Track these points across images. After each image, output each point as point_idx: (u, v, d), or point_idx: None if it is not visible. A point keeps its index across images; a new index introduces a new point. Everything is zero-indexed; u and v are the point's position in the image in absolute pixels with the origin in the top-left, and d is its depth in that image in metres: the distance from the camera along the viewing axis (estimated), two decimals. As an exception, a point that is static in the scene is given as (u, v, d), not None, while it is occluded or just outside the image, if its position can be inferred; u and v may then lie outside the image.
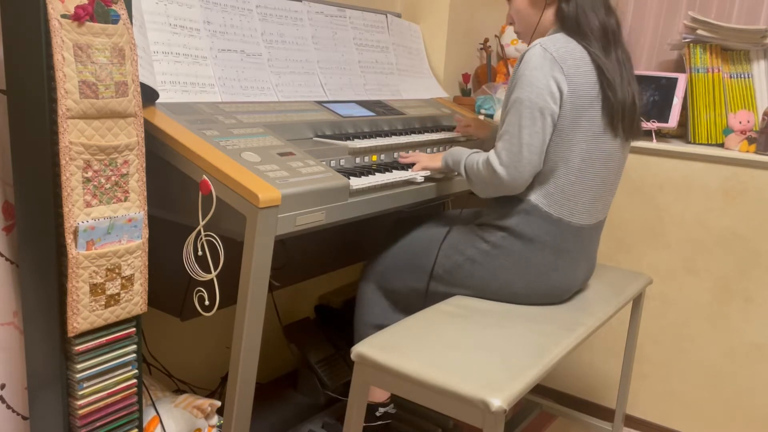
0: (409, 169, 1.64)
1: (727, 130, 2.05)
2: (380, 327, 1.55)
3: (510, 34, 2.49)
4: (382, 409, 1.81)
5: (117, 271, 1.21)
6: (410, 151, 1.77)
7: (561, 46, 1.44)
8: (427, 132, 1.96)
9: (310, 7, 1.92)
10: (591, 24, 1.48)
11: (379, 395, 1.82)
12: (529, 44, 1.60)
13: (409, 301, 1.69)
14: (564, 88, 1.42)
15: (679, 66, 2.25)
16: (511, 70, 2.50)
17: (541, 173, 1.47)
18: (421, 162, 1.65)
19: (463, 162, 1.55)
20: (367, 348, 1.29)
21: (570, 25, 1.49)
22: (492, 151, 1.47)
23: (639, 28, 2.33)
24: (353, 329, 1.78)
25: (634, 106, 1.52)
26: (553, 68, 1.41)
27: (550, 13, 1.55)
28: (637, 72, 2.20)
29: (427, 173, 1.64)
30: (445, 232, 1.63)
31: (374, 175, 1.54)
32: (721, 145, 2.07)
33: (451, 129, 2.06)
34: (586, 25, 1.48)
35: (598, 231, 1.62)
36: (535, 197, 1.49)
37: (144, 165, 1.23)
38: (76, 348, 1.21)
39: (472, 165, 1.52)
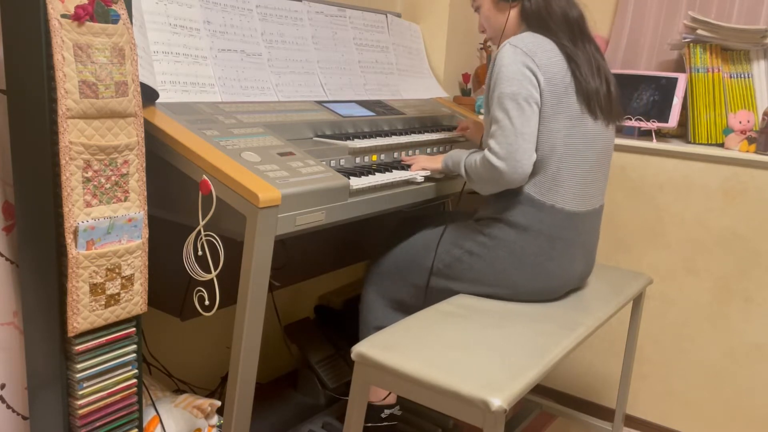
0: (409, 169, 1.65)
1: (727, 130, 2.05)
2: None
3: (510, 34, 2.49)
4: (388, 411, 1.81)
5: (117, 271, 1.21)
6: (411, 153, 1.78)
7: (529, 41, 1.50)
8: (427, 132, 1.96)
9: (310, 7, 1.92)
10: (554, 16, 1.54)
11: (389, 397, 1.82)
12: (497, 45, 1.66)
13: (412, 302, 1.69)
14: (540, 78, 1.46)
15: (679, 66, 2.25)
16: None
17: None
18: (420, 162, 1.67)
19: (462, 162, 1.57)
20: (367, 348, 1.29)
21: (535, 20, 1.56)
22: (486, 150, 1.49)
23: (639, 28, 2.33)
24: (358, 331, 1.78)
25: (610, 93, 1.57)
26: (526, 60, 1.46)
27: (515, 14, 1.61)
28: (637, 72, 2.21)
29: (427, 173, 1.64)
30: (443, 228, 1.64)
31: (374, 175, 1.54)
32: (721, 145, 2.07)
33: (451, 129, 2.06)
34: (549, 18, 1.54)
35: (595, 221, 1.62)
36: (527, 187, 1.51)
37: (144, 165, 1.23)
38: (76, 348, 1.21)
39: (471, 164, 1.53)
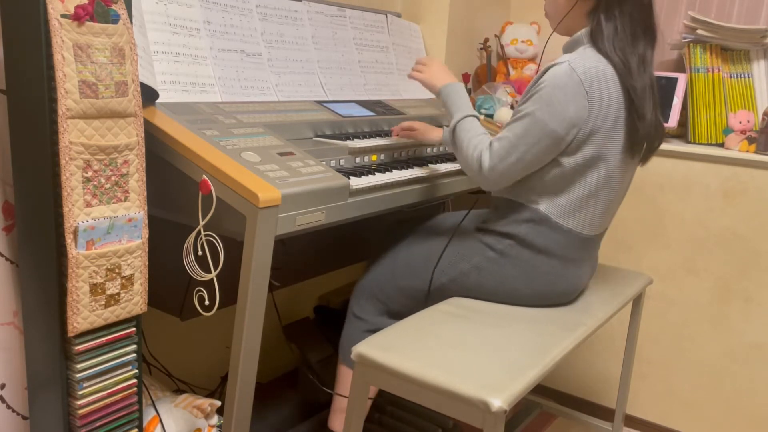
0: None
1: (727, 130, 2.05)
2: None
3: (510, 33, 2.49)
4: None
5: (117, 270, 1.21)
6: (411, 153, 1.76)
7: (591, 66, 1.38)
8: (427, 132, 1.95)
9: (310, 7, 1.92)
10: (626, 48, 1.39)
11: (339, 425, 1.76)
12: (554, 29, 1.54)
13: (404, 311, 1.65)
14: (583, 114, 1.37)
15: (679, 66, 2.25)
16: (511, 70, 2.50)
17: (554, 185, 1.45)
18: (423, 74, 1.61)
19: (455, 120, 1.50)
20: (367, 348, 1.29)
21: (604, 39, 1.41)
22: (488, 147, 1.44)
23: (639, 28, 2.33)
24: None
25: (657, 134, 1.49)
26: (577, 92, 1.36)
27: (582, 10, 1.46)
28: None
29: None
30: (445, 242, 1.60)
31: (374, 175, 1.54)
32: (721, 145, 2.07)
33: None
34: (619, 48, 1.40)
35: (602, 236, 1.61)
36: (545, 207, 1.46)
37: (144, 165, 1.23)
38: (76, 348, 1.21)
39: (463, 136, 1.48)
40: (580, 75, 1.37)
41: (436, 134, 1.77)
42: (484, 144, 1.46)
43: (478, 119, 1.53)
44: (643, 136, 1.45)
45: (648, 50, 1.45)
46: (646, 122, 1.43)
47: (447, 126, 1.57)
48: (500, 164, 1.42)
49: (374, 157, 1.66)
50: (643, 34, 1.44)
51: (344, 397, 1.71)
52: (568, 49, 1.51)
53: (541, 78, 1.40)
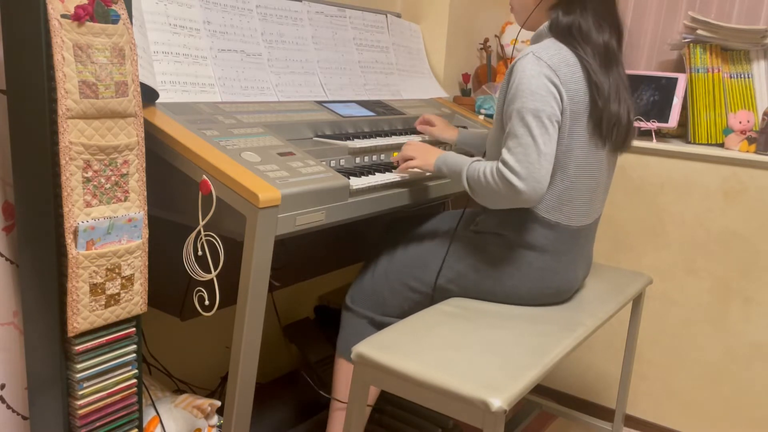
0: (397, 167, 1.59)
1: (727, 130, 2.05)
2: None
3: (510, 33, 2.49)
4: None
5: (117, 271, 1.21)
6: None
7: (553, 53, 1.41)
8: (427, 132, 1.95)
9: (310, 7, 1.92)
10: (583, 34, 1.44)
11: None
12: (521, 24, 1.58)
13: (397, 315, 1.65)
14: (563, 95, 1.40)
15: (679, 66, 2.25)
16: (511, 70, 2.50)
17: None
18: (416, 160, 1.57)
19: (464, 173, 1.46)
20: (367, 348, 1.29)
21: (563, 33, 1.45)
22: (500, 165, 1.38)
23: (639, 28, 2.33)
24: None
25: (630, 124, 1.51)
26: (550, 74, 1.38)
27: (545, 8, 1.50)
28: (637, 72, 2.22)
29: (414, 171, 1.60)
30: (442, 244, 1.60)
31: (374, 175, 1.54)
32: (721, 145, 2.07)
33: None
34: (578, 34, 1.44)
35: (595, 229, 1.62)
36: None
37: (144, 165, 1.23)
38: (76, 348, 1.21)
39: (477, 177, 1.42)
40: (546, 61, 1.39)
41: (451, 134, 1.83)
42: (495, 164, 1.41)
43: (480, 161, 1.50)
44: (605, 114, 1.45)
45: (612, 40, 1.48)
46: (608, 103, 1.44)
47: (462, 128, 1.60)
48: (527, 169, 1.35)
49: (374, 157, 1.65)
50: (608, 26, 1.47)
51: (341, 402, 1.72)
52: (533, 42, 1.53)
53: (511, 77, 1.42)
